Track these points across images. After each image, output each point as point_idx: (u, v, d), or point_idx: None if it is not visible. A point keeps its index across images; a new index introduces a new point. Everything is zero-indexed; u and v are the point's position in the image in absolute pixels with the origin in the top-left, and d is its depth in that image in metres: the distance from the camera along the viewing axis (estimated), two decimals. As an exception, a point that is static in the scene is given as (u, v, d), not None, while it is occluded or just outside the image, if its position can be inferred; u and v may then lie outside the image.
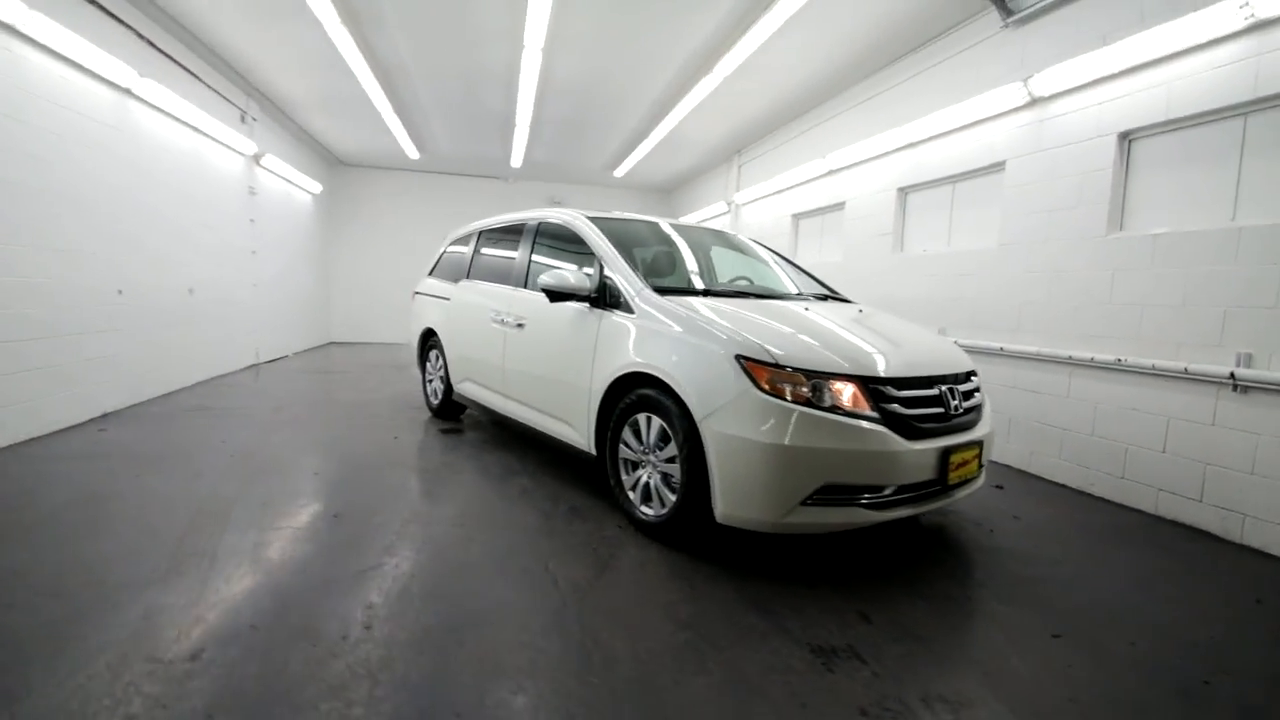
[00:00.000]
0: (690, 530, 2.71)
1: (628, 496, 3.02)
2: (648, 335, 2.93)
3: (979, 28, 4.75)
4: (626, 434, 3.00)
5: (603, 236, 3.53)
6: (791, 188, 7.65)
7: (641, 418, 2.90)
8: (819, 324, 2.91)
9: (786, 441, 2.38)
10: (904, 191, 5.75)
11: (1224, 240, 3.23)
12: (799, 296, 3.60)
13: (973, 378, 2.97)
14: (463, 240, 5.30)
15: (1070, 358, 3.96)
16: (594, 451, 3.24)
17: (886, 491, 2.51)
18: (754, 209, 8.76)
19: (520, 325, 3.88)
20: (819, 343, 2.65)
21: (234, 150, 7.07)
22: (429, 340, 5.42)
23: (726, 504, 2.50)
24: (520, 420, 3.95)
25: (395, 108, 7.56)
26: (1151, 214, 3.66)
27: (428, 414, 5.48)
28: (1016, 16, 4.38)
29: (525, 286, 4.04)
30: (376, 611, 2.12)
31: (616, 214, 3.98)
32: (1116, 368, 3.70)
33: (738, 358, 2.54)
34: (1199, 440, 3.31)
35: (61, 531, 2.67)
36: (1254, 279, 3.10)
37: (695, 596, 2.35)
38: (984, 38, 4.71)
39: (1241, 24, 3.05)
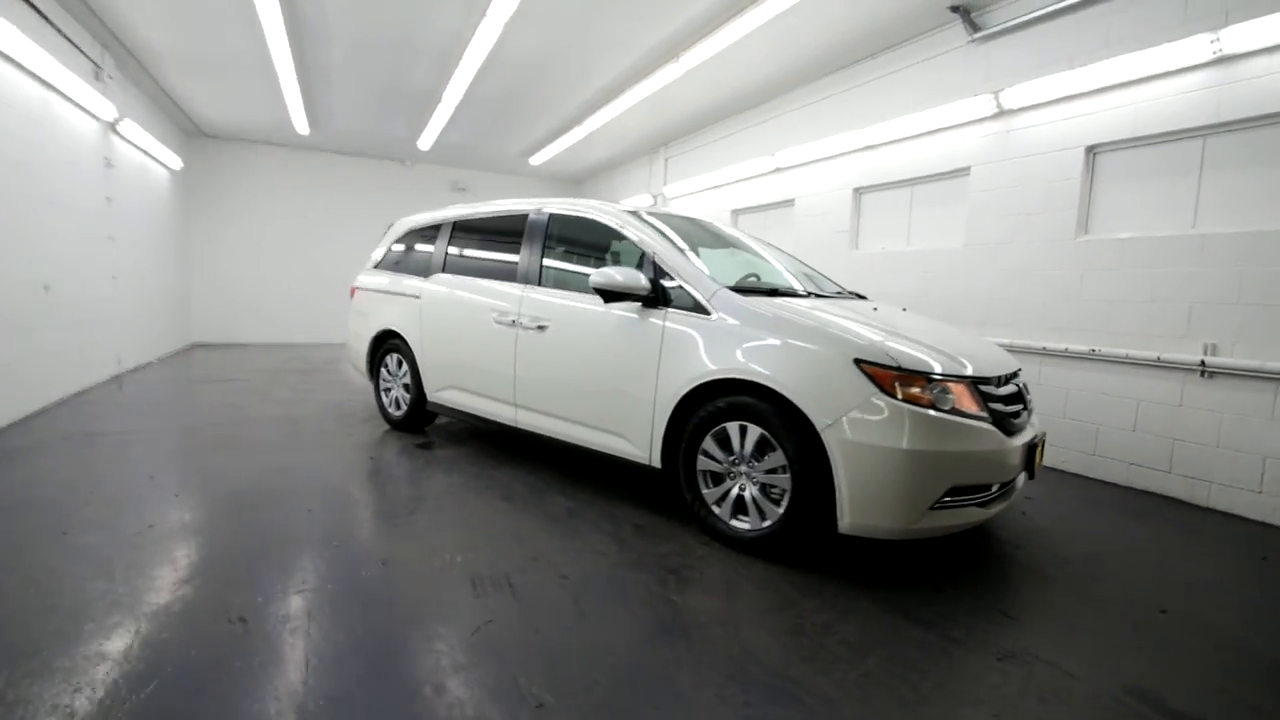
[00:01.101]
0: (800, 543, 2.58)
1: (711, 510, 2.83)
2: (734, 339, 2.74)
3: (943, 39, 5.05)
4: (709, 444, 2.80)
5: (654, 230, 3.27)
6: (733, 183, 7.73)
7: (731, 426, 2.72)
8: (899, 324, 2.91)
9: (921, 447, 2.34)
10: (860, 192, 6.02)
11: (1188, 245, 3.71)
12: (837, 295, 3.58)
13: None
14: (426, 231, 4.69)
15: (1045, 349, 4.37)
16: (657, 465, 3.00)
17: (993, 489, 2.57)
18: (687, 203, 8.75)
19: (541, 328, 3.49)
20: (921, 344, 2.64)
21: (88, 113, 5.68)
22: (384, 343, 4.75)
23: (856, 514, 2.41)
24: (541, 433, 3.57)
25: (299, 73, 6.52)
26: (1115, 220, 4.12)
27: (385, 426, 4.81)
28: (984, 33, 4.72)
29: (540, 284, 3.64)
30: (548, 704, 1.76)
31: (626, 205, 3.70)
32: (1089, 357, 4.13)
33: (857, 362, 2.45)
34: (1167, 420, 3.80)
35: None
36: (1216, 278, 3.59)
37: (846, 614, 2.24)
38: (948, 49, 5.02)
39: (1209, 56, 3.50)
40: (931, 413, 2.38)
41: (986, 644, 2.10)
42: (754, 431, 2.65)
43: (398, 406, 4.69)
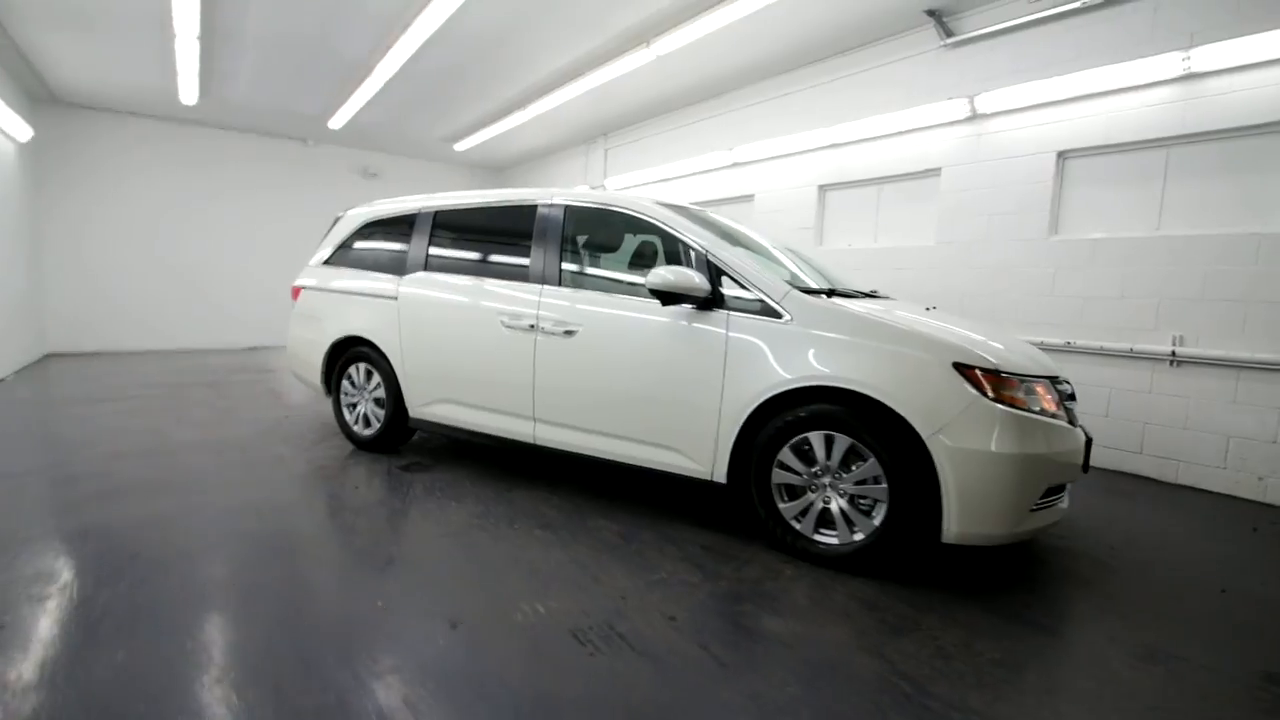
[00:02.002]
0: (898, 555, 2.49)
1: (791, 526, 2.67)
2: (815, 344, 2.59)
3: (916, 41, 5.20)
4: (786, 456, 2.64)
5: (701, 225, 3.04)
6: (684, 176, 7.59)
7: (815, 436, 2.57)
8: (956, 323, 2.89)
9: (1027, 450, 2.32)
10: (825, 189, 6.10)
11: (1155, 246, 4.05)
12: (868, 294, 3.53)
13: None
14: (394, 224, 4.13)
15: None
16: (721, 480, 2.80)
17: (1069, 486, 2.63)
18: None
19: (569, 333, 3.15)
20: (1000, 345, 2.63)
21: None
22: (346, 351, 4.14)
23: (965, 522, 2.34)
24: (566, 450, 3.24)
25: (203, 31, 5.53)
26: (1085, 221, 4.43)
27: (348, 446, 4.21)
28: (958, 38, 4.90)
29: (560, 284, 3.29)
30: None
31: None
32: (1065, 350, 4.42)
33: (956, 365, 2.39)
34: (1138, 405, 4.14)
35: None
36: (1182, 277, 3.95)
37: (975, 629, 2.16)
38: (921, 52, 5.17)
39: (1179, 72, 3.82)
40: (1028, 414, 2.37)
41: (1115, 644, 2.11)
42: (842, 441, 2.52)
43: (367, 424, 4.11)
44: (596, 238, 3.45)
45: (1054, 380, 2.63)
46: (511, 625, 2.09)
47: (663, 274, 2.78)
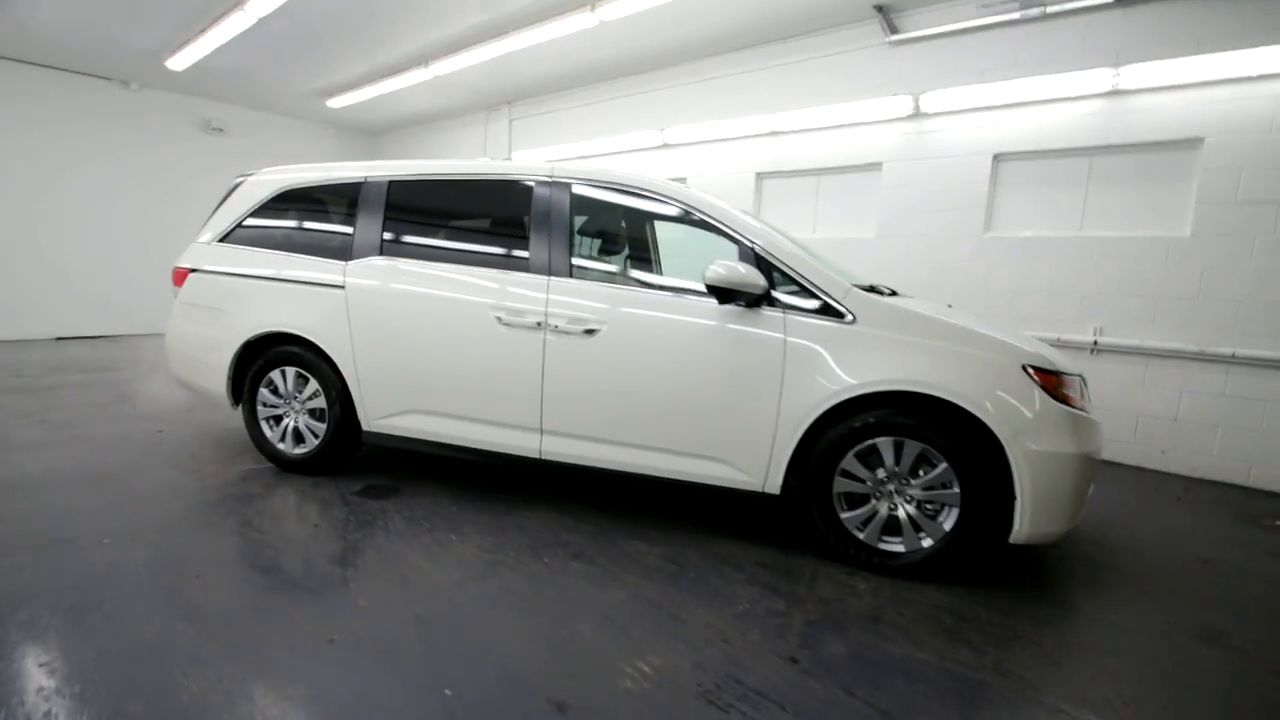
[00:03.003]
0: (964, 558, 2.47)
1: (853, 536, 2.55)
2: (884, 346, 2.47)
3: (861, 34, 5.27)
4: (850, 463, 2.51)
5: (742, 213, 2.77)
6: (607, 155, 7.20)
7: (883, 442, 2.46)
8: (982, 322, 2.94)
9: (1088, 449, 2.41)
10: (762, 177, 6.08)
11: (1078, 244, 4.49)
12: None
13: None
14: (327, 195, 3.38)
15: (960, 332, 4.96)
16: (775, 491, 2.61)
17: (1089, 479, 2.79)
18: (545, 173, 7.94)
19: (589, 332, 2.75)
20: (1039, 344, 2.69)
21: None
22: (268, 351, 3.33)
23: (1034, 522, 2.36)
24: (582, 464, 2.85)
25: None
26: (1015, 220, 4.81)
27: (267, 467, 3.42)
28: (901, 36, 5.04)
29: (570, 276, 2.86)
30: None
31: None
32: (1000, 339, 4.80)
33: (1024, 367, 2.40)
34: (1062, 389, 4.61)
35: None
36: (1102, 273, 4.42)
37: (1089, 635, 2.20)
38: (865, 46, 5.27)
39: (1107, 88, 4.22)
40: (1083, 414, 2.45)
41: (1172, 627, 2.25)
42: (912, 446, 2.44)
43: (299, 440, 3.35)
44: (608, 223, 3.05)
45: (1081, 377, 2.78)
46: (627, 696, 1.73)
47: (722, 269, 2.50)
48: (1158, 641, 2.17)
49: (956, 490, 2.40)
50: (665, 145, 6.67)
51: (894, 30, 5.07)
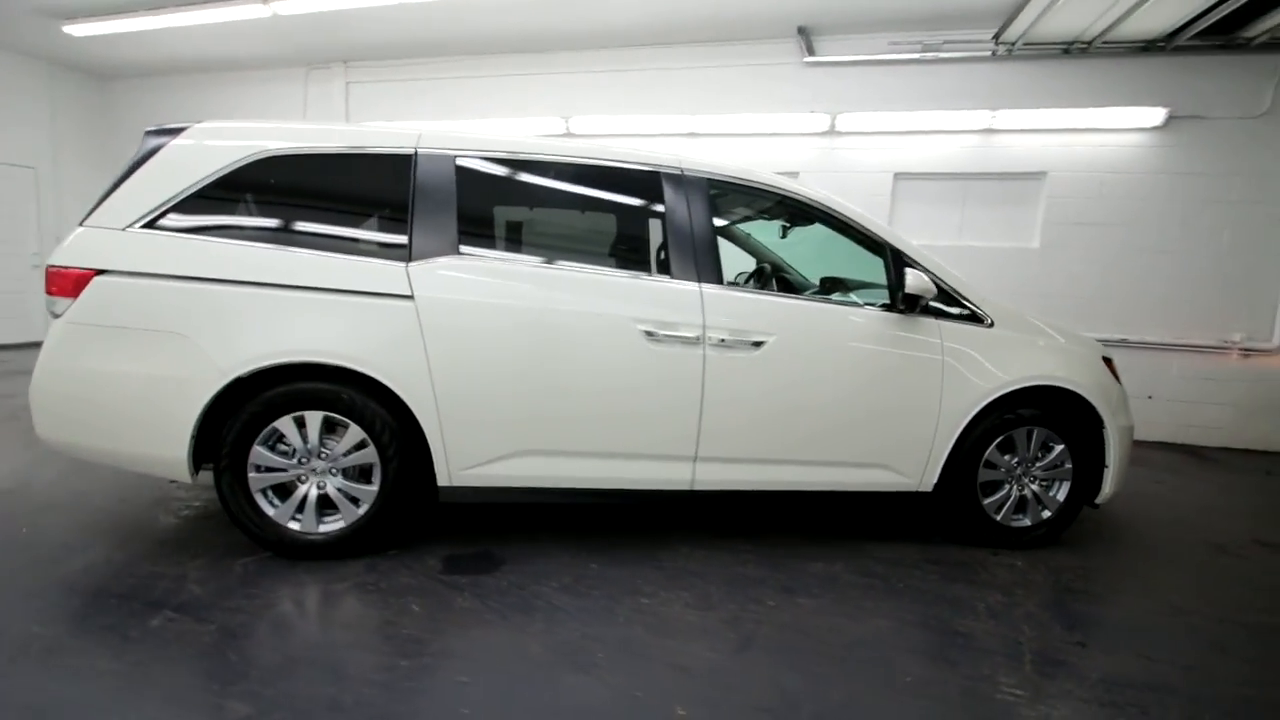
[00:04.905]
0: (1069, 524, 2.91)
1: (991, 519, 2.82)
2: (1017, 346, 2.78)
3: (779, 50, 5.61)
4: (993, 454, 2.77)
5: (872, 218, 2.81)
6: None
7: (1019, 432, 2.77)
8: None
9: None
10: (677, 176, 6.11)
11: (959, 252, 5.51)
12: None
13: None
14: (352, 169, 2.47)
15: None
16: (928, 489, 2.76)
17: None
18: (403, 152, 6.78)
19: (756, 344, 2.52)
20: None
21: None
22: (271, 392, 2.30)
23: (1114, 486, 2.88)
24: (737, 489, 2.63)
25: None
26: (908, 229, 5.65)
27: (266, 558, 2.39)
28: (816, 59, 5.53)
29: (721, 283, 2.58)
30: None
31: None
32: (904, 330, 5.65)
33: (1104, 358, 2.93)
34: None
35: None
36: (974, 275, 5.47)
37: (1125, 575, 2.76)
38: (783, 62, 5.64)
39: (984, 126, 5.24)
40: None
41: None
42: (1040, 434, 2.79)
43: (323, 513, 2.39)
44: (744, 223, 2.80)
45: None
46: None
47: (915, 278, 2.55)
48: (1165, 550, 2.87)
49: (1069, 466, 2.83)
50: (569, 135, 6.25)
51: (811, 52, 5.54)
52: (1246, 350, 4.95)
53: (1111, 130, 5.02)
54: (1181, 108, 4.83)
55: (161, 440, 2.28)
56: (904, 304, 2.63)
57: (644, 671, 1.82)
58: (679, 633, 2.03)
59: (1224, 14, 4.20)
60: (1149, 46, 4.79)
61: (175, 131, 2.41)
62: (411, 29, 5.79)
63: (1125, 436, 2.87)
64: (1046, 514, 2.86)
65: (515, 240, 2.72)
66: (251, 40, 6.26)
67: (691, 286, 2.53)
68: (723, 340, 2.49)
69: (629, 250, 2.67)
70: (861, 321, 2.66)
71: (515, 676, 1.77)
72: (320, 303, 2.30)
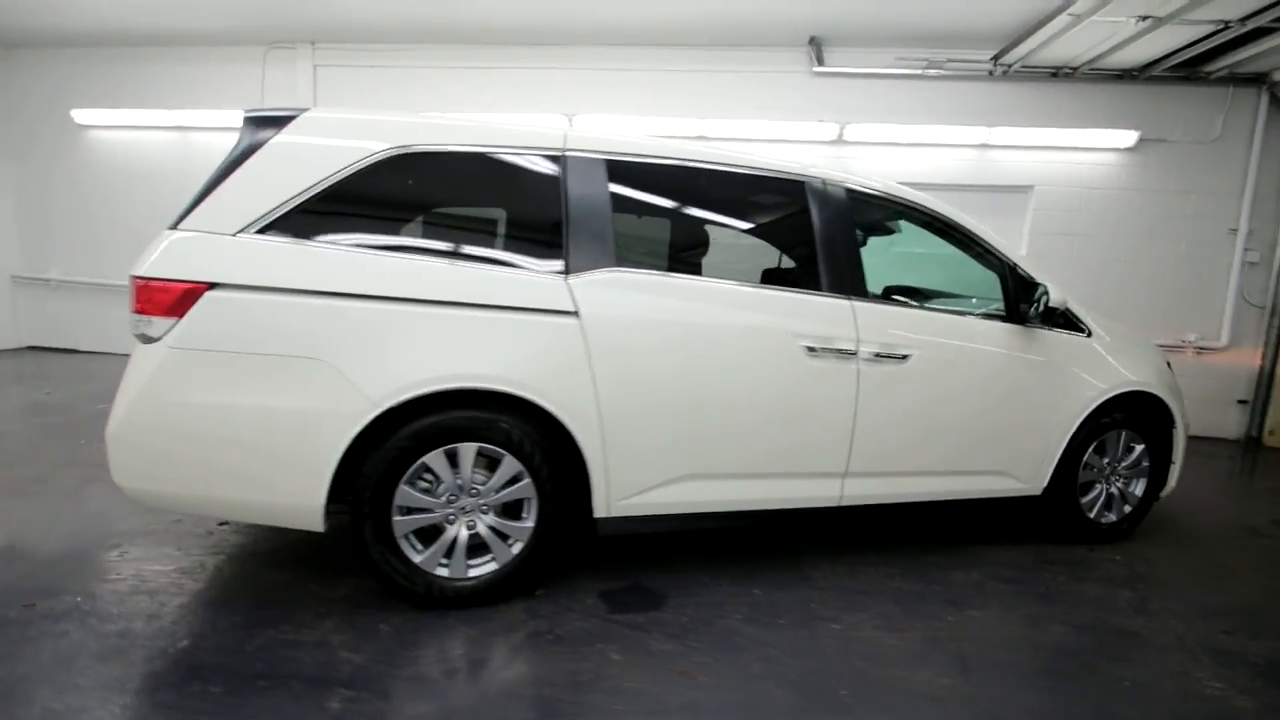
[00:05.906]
0: (1141, 520, 3.15)
1: (1086, 516, 3.00)
2: (1110, 355, 2.97)
3: (790, 58, 5.67)
4: (1091, 457, 2.95)
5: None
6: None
7: (1110, 436, 2.96)
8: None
9: (1186, 420, 3.33)
10: (683, 179, 6.05)
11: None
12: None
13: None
14: (496, 168, 2.21)
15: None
16: (1038, 492, 2.89)
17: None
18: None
19: (903, 357, 2.53)
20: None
21: None
22: (418, 424, 2.03)
23: (1176, 480, 3.16)
24: (879, 502, 2.64)
25: None
26: (910, 239, 5.94)
27: (394, 604, 2.12)
28: (825, 69, 5.65)
29: (867, 296, 2.57)
30: None
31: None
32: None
33: (1168, 362, 3.20)
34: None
35: None
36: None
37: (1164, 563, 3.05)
38: (793, 70, 5.71)
39: (979, 141, 5.57)
40: (1174, 395, 3.39)
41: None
42: (1129, 435, 3.00)
43: (476, 556, 2.14)
44: (874, 236, 2.78)
45: None
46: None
47: (1056, 292, 2.65)
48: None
49: (1147, 464, 3.06)
50: (703, 137, 6.00)
51: (820, 62, 5.65)
52: (1200, 349, 5.60)
53: (1091, 149, 5.50)
54: (1150, 131, 5.37)
55: (294, 485, 1.94)
56: (1041, 316, 2.73)
57: (902, 707, 1.76)
58: (894, 660, 1.99)
59: (1196, 52, 4.72)
60: (1124, 75, 5.28)
61: (282, 120, 2.06)
62: (398, 9, 5.33)
63: (1185, 434, 3.14)
64: (1127, 509, 3.08)
65: (662, 251, 2.56)
66: (191, 7, 5.52)
67: (843, 300, 2.49)
68: (876, 354, 2.48)
69: (782, 263, 2.60)
70: (993, 333, 2.74)
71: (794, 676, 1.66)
72: (477, 321, 2.05)
